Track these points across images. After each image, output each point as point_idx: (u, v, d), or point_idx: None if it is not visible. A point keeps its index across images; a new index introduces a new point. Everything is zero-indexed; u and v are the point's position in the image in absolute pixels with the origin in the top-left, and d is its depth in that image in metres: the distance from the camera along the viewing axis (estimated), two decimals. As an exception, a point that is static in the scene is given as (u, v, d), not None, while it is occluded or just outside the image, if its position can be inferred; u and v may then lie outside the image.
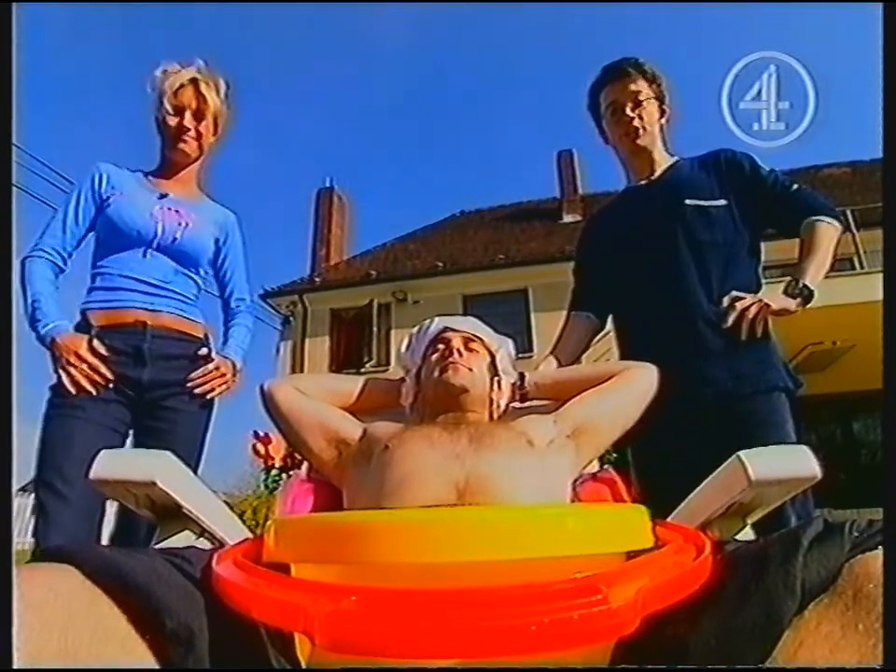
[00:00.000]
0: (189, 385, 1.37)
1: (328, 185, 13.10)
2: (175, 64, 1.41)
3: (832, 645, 0.43)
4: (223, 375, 1.43)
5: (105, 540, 1.30)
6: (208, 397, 1.40)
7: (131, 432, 1.35)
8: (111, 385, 1.28)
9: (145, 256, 1.38)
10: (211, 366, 1.41)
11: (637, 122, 1.41)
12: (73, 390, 1.24)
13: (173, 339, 1.38)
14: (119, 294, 1.35)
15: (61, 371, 1.25)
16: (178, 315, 1.40)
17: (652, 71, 1.42)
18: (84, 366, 1.25)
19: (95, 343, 1.28)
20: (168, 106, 1.38)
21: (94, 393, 1.26)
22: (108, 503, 1.22)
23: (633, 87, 1.40)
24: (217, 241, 1.53)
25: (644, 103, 1.41)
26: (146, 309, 1.35)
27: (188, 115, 1.40)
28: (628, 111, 1.41)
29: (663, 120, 1.45)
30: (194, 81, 1.40)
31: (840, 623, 0.44)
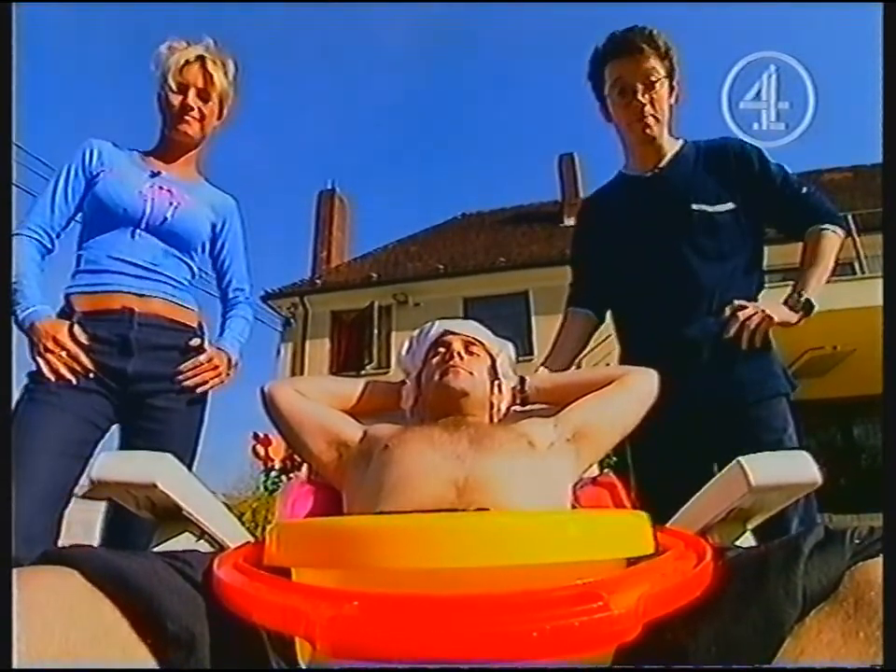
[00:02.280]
0: (179, 377, 1.29)
1: (329, 187, 13.16)
2: (182, 41, 1.33)
3: (833, 653, 0.43)
4: (216, 368, 1.35)
5: (97, 542, 1.27)
6: (199, 391, 1.32)
7: (113, 427, 1.27)
8: (93, 376, 1.20)
9: (133, 237, 1.29)
10: (203, 357, 1.32)
11: (648, 109, 1.30)
12: (51, 378, 1.16)
13: (162, 327, 1.30)
14: (105, 277, 1.27)
15: (38, 358, 1.17)
16: (169, 300, 1.32)
17: (665, 45, 1.28)
18: (63, 353, 1.17)
19: (76, 329, 1.21)
20: (172, 83, 1.31)
21: (74, 382, 1.18)
22: (73, 499, 1.16)
23: (645, 65, 1.27)
24: (213, 226, 1.44)
25: (656, 84, 1.29)
26: (133, 293, 1.27)
27: (192, 93, 1.32)
28: (640, 96, 1.29)
29: (671, 100, 1.34)
30: (201, 59, 1.32)
31: (841, 632, 0.44)
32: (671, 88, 1.33)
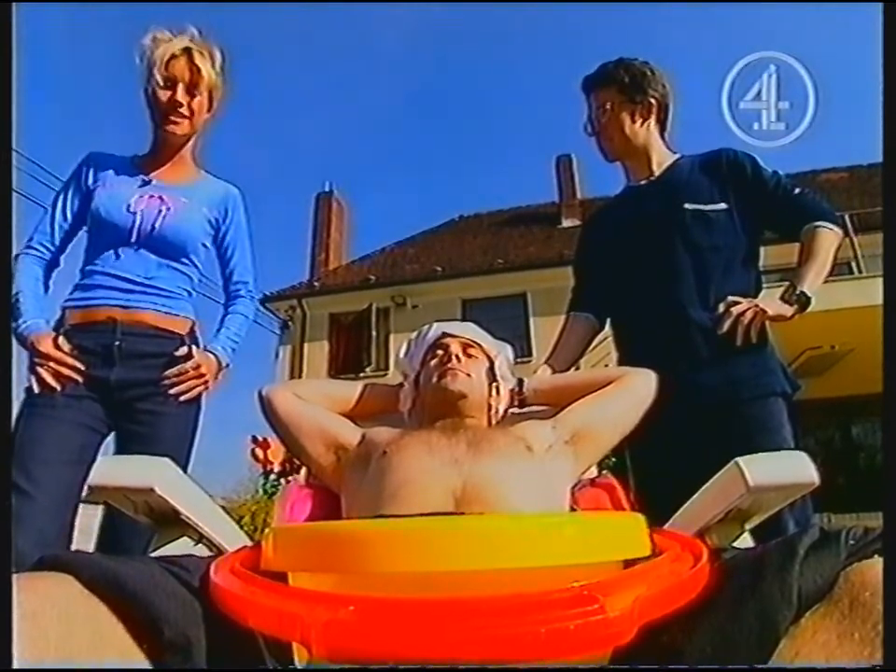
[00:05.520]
0: (163, 384, 1.28)
1: (327, 189, 13.14)
2: (166, 32, 1.29)
3: (828, 654, 0.43)
4: (201, 376, 1.33)
5: (92, 547, 1.27)
6: (182, 399, 1.30)
7: (111, 431, 1.28)
8: (81, 383, 1.22)
9: (123, 253, 1.30)
10: (189, 364, 1.30)
11: (614, 134, 1.43)
12: (37, 388, 1.19)
13: (147, 336, 1.29)
14: (96, 292, 1.29)
15: (30, 371, 1.21)
16: (157, 311, 1.31)
17: (631, 75, 1.40)
18: (50, 364, 1.20)
19: (61, 340, 1.23)
20: (159, 78, 1.27)
21: (59, 390, 1.20)
22: (81, 505, 1.19)
23: (603, 97, 1.42)
24: (212, 222, 1.42)
25: (618, 112, 1.41)
26: (120, 306, 1.28)
27: (180, 88, 1.28)
28: (597, 122, 1.45)
29: (651, 120, 1.43)
30: (187, 51, 1.28)
31: (836, 633, 0.44)
32: (643, 111, 1.42)
